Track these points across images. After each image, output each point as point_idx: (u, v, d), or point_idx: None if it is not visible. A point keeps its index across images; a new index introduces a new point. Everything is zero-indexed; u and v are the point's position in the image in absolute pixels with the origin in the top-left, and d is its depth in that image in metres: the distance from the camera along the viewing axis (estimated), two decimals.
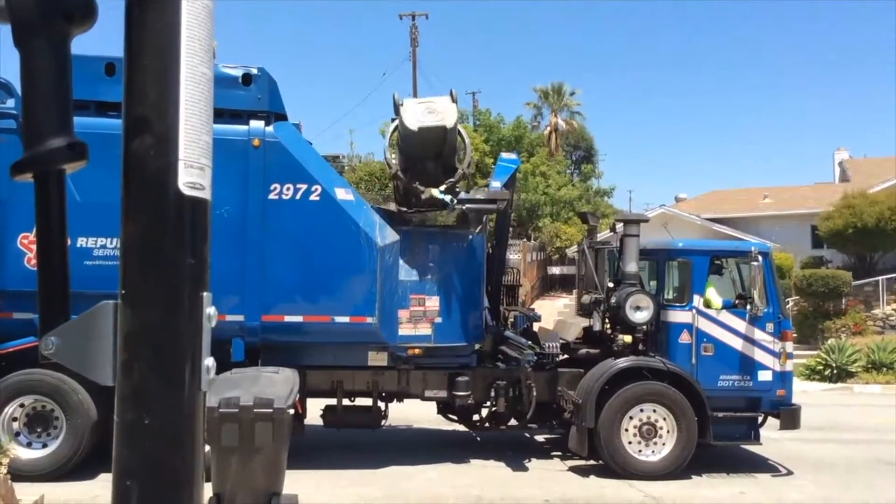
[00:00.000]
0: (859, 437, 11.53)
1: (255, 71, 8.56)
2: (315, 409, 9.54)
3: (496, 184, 9.65)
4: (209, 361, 1.38)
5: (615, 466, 8.89)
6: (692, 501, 8.07)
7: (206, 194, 1.33)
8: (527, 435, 10.58)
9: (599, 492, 8.36)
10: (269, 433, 6.81)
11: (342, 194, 8.85)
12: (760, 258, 9.26)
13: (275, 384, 7.26)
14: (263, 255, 8.53)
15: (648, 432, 8.98)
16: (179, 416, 1.35)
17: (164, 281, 1.30)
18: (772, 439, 9.84)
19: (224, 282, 8.39)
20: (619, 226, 10.12)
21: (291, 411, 7.04)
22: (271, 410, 6.83)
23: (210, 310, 1.35)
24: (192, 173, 1.33)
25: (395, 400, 9.49)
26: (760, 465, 9.63)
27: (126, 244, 1.29)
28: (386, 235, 8.85)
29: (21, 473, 7.59)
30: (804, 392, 13.46)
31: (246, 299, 8.42)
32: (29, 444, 8.20)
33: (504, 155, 10.48)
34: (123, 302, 1.31)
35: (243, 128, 8.51)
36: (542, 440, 10.63)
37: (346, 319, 8.66)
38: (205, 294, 1.33)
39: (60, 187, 1.48)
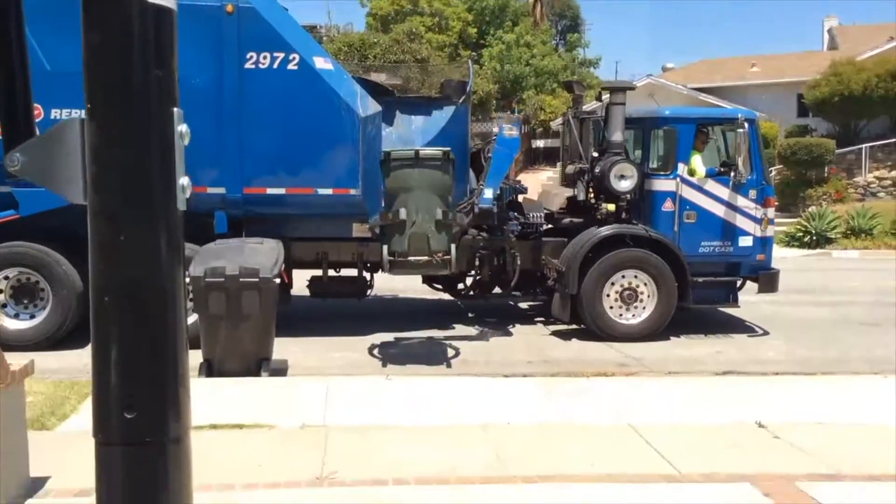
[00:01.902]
0: (836, 300, 11.83)
1: None
2: (301, 281, 9.63)
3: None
4: (184, 181, 1.33)
5: (597, 330, 9.12)
6: (670, 360, 8.32)
7: (170, 3, 1.24)
8: (510, 303, 10.77)
9: (581, 354, 8.59)
10: (255, 302, 6.93)
11: (321, 63, 8.59)
12: (746, 125, 9.19)
13: (259, 254, 7.31)
14: (242, 126, 8.36)
15: (629, 297, 9.15)
16: (156, 236, 1.31)
17: (130, 94, 1.23)
18: (750, 303, 10.08)
19: (203, 154, 8.26)
20: (605, 95, 9.96)
21: (277, 281, 7.14)
22: (257, 280, 6.93)
23: (182, 127, 1.29)
24: None
25: (380, 270, 9.56)
26: (738, 327, 9.91)
27: (89, 56, 1.22)
28: (367, 106, 8.67)
29: (9, 344, 7.71)
30: (783, 258, 13.67)
31: (226, 172, 8.32)
32: (16, 316, 8.28)
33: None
34: (89, 117, 1.25)
35: None
36: (526, 307, 10.83)
37: (329, 191, 8.60)
38: (175, 110, 1.27)
39: (18, 7, 1.40)
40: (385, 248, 7.58)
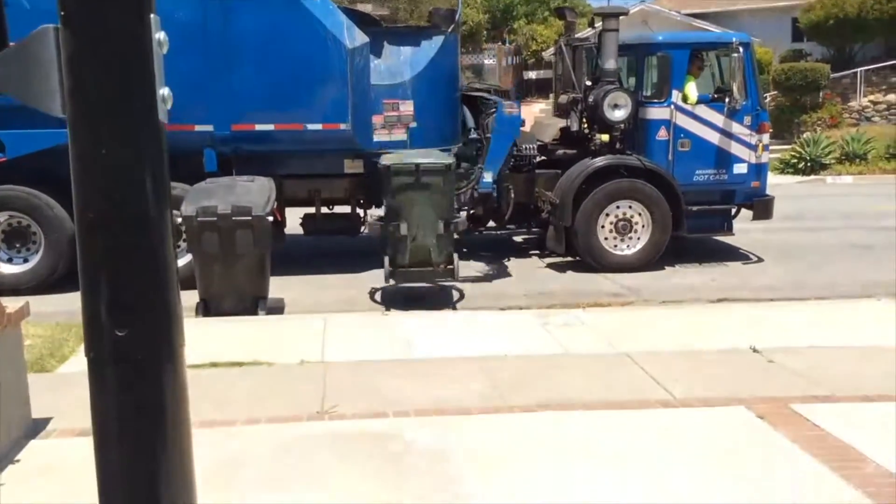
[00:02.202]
0: (830, 225, 11.85)
1: None
2: (294, 219, 9.58)
3: None
4: (164, 91, 1.28)
5: (592, 261, 9.13)
6: (665, 289, 8.36)
7: None
8: (504, 236, 10.73)
9: (576, 285, 8.62)
10: (249, 240, 6.89)
11: None
12: (741, 49, 9.05)
13: (251, 192, 7.25)
14: (227, 61, 8.19)
15: (624, 228, 9.14)
16: (137, 147, 1.27)
17: (105, 0, 1.17)
18: (744, 230, 10.08)
19: (189, 91, 8.10)
20: (598, 21, 9.76)
21: (270, 219, 7.10)
22: (250, 218, 6.89)
23: (159, 35, 1.23)
24: None
25: (373, 206, 9.51)
26: (732, 255, 9.94)
27: None
28: (355, 37, 8.48)
29: (4, 287, 7.70)
30: (777, 185, 13.66)
31: (213, 108, 8.18)
32: (10, 260, 8.25)
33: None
34: (63, 25, 1.19)
35: None
36: (520, 241, 10.81)
37: (318, 126, 8.48)
38: (152, 16, 1.21)
39: None
40: (387, 259, 7.53)
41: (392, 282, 7.39)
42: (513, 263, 9.61)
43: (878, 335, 6.01)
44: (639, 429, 4.26)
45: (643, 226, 9.15)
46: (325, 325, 6.56)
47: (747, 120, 9.33)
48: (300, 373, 5.39)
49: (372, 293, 8.21)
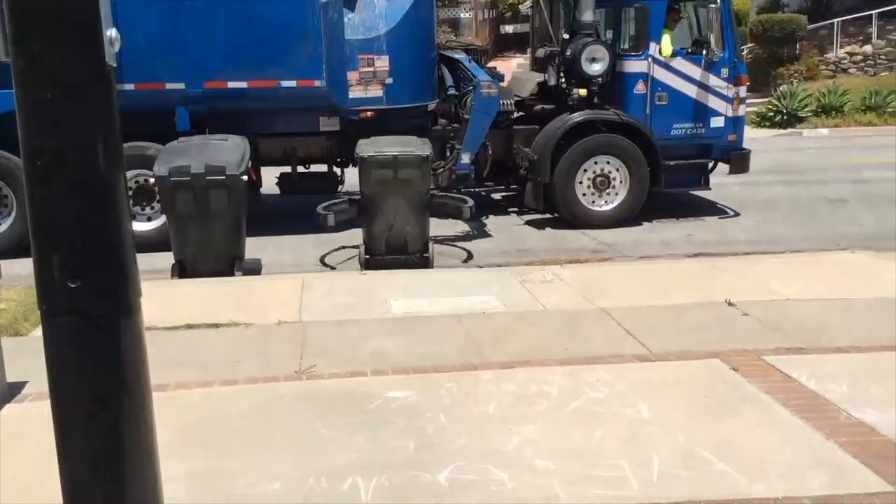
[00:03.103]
0: (806, 178, 11.91)
1: None
2: (270, 179, 9.48)
3: None
4: (112, 32, 1.24)
5: (570, 218, 9.14)
6: (642, 245, 8.40)
7: None
8: (482, 194, 10.70)
9: (554, 242, 8.64)
10: (223, 200, 6.81)
11: None
12: (718, 0, 8.97)
13: (224, 151, 7.14)
14: (198, 17, 8.02)
15: (602, 183, 9.14)
16: (85, 92, 1.23)
17: None
18: (721, 185, 10.12)
19: (158, 47, 7.95)
20: None
21: (245, 178, 7.01)
22: (224, 178, 6.80)
23: None
24: None
25: (350, 165, 9.42)
26: (709, 209, 9.99)
27: None
28: None
29: None
30: (754, 139, 13.66)
31: (184, 65, 8.03)
32: None
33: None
34: None
35: None
36: (499, 198, 10.79)
37: (292, 83, 8.35)
38: None
39: None
40: (362, 247, 7.46)
41: (367, 272, 7.35)
42: (492, 220, 9.61)
43: (850, 288, 6.09)
44: (615, 382, 4.30)
45: (621, 181, 9.15)
46: (303, 285, 6.54)
47: (724, 72, 9.30)
48: (277, 333, 5.37)
49: (343, 246, 8.17)
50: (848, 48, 22.19)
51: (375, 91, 8.85)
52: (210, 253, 6.88)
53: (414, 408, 4.03)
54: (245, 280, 6.92)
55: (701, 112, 9.31)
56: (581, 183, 9.10)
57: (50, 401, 1.41)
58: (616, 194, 9.17)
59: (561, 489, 3.21)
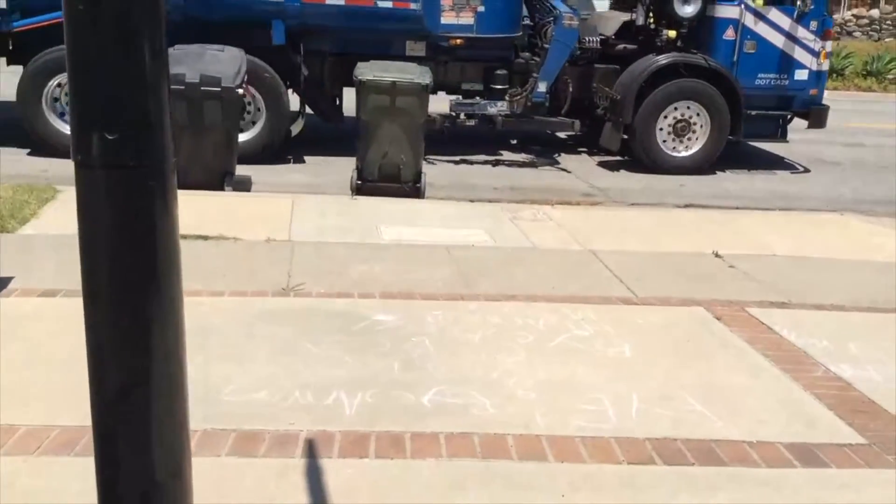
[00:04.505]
0: (801, 138, 11.86)
1: None
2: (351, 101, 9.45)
3: None
4: None
5: (647, 161, 9.18)
6: (634, 192, 8.40)
7: None
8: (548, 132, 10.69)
9: (546, 182, 8.61)
10: (218, 112, 6.72)
11: None
12: None
13: (221, 62, 7.01)
14: None
15: (682, 129, 9.17)
16: None
17: None
18: (795, 140, 10.11)
19: None
20: None
21: (240, 91, 6.90)
22: (219, 89, 6.69)
23: None
24: None
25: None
26: (780, 164, 10.06)
27: None
28: None
29: None
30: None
31: None
32: None
33: None
34: None
35: None
36: (564, 136, 10.77)
37: (389, 4, 8.36)
38: None
39: None
40: (355, 172, 7.36)
41: (358, 197, 7.30)
42: (564, 158, 9.67)
43: (838, 249, 6.14)
44: (600, 321, 4.35)
45: (701, 127, 9.16)
46: (293, 205, 6.50)
47: (813, 25, 9.26)
48: (266, 250, 5.36)
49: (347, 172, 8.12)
50: (855, 10, 21.98)
51: (466, 18, 8.88)
52: (201, 165, 6.81)
53: (400, 331, 4.06)
54: (235, 195, 6.87)
55: (786, 63, 9.28)
56: (661, 127, 9.13)
57: (80, 255, 1.40)
58: (695, 141, 9.20)
59: (541, 418, 3.26)
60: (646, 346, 4.05)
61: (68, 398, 3.16)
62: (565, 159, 9.66)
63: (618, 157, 9.51)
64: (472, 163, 9.22)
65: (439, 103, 9.53)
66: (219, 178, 6.88)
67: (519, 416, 3.27)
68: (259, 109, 8.34)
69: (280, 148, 8.54)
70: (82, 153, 1.31)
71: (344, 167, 7.82)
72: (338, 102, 9.33)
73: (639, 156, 9.24)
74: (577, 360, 3.84)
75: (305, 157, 8.84)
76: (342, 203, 6.86)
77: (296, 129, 8.95)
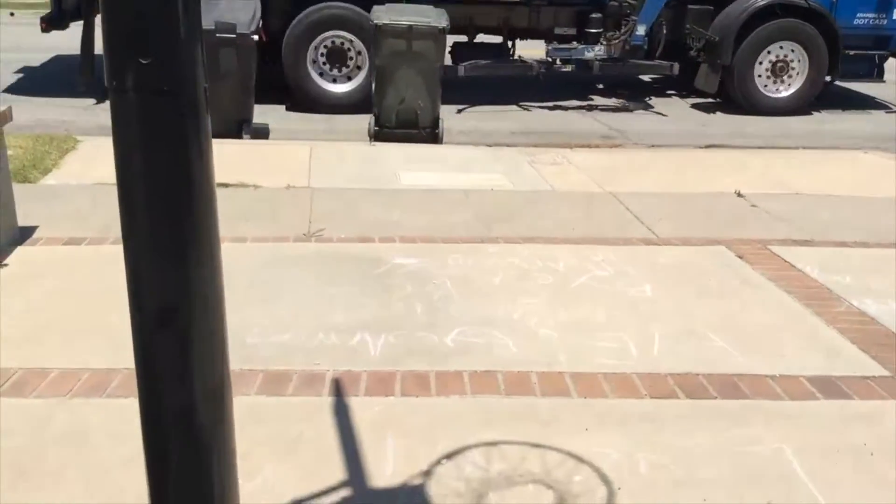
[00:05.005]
0: None
1: None
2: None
3: None
4: None
5: (744, 103, 9.17)
6: (654, 134, 8.30)
7: None
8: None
9: (564, 126, 8.52)
10: (233, 59, 6.67)
11: None
12: None
13: (235, 10, 6.94)
14: None
15: (781, 69, 9.15)
16: None
17: None
18: (888, 81, 9.97)
19: None
20: None
21: (255, 38, 6.84)
22: (234, 36, 6.63)
23: None
24: None
25: (520, 38, 9.56)
26: (873, 104, 9.99)
27: None
28: None
29: None
30: None
31: None
32: None
33: None
34: None
35: None
36: (648, 79, 10.72)
37: None
38: None
39: None
40: (372, 118, 7.29)
41: (376, 143, 7.26)
42: (656, 101, 9.66)
43: (861, 186, 6.07)
44: (621, 262, 4.34)
45: (799, 68, 9.12)
46: (311, 151, 6.49)
47: None
48: (286, 197, 5.37)
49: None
50: None
51: None
52: (218, 113, 6.78)
53: (421, 274, 4.08)
54: (253, 143, 6.87)
55: (885, 3, 9.20)
56: (760, 69, 9.09)
57: (116, 182, 1.41)
58: (793, 81, 9.17)
59: (563, 356, 3.28)
60: (667, 285, 4.04)
61: (97, 342, 3.22)
62: (657, 103, 9.66)
63: (710, 100, 9.49)
64: (566, 108, 9.25)
65: (531, 50, 9.62)
66: (236, 127, 6.87)
67: (541, 355, 3.30)
68: (360, 66, 8.46)
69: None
70: (117, 79, 1.31)
71: (362, 115, 7.79)
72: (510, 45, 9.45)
73: (736, 98, 9.23)
74: (598, 301, 3.85)
75: None
76: (360, 149, 6.84)
77: None
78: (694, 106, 9.55)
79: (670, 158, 7.05)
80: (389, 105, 7.27)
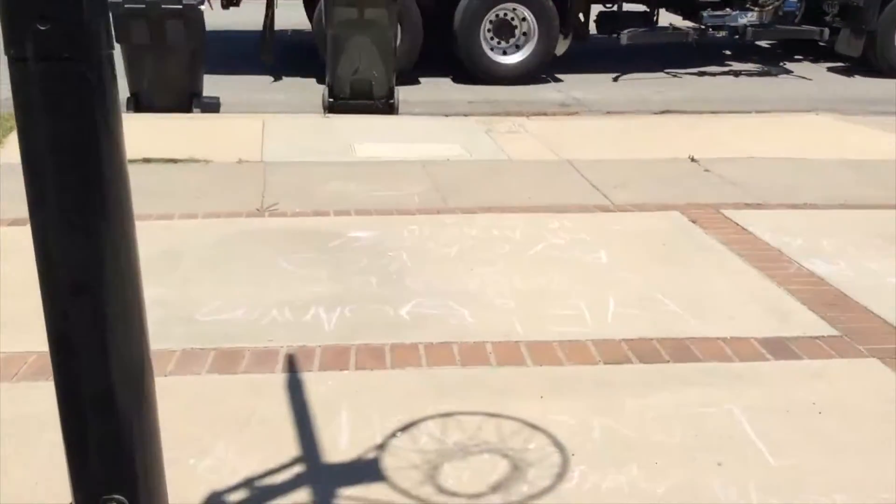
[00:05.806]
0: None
1: None
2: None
3: None
4: None
5: (884, 66, 9.24)
6: (610, 101, 8.31)
7: None
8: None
9: (522, 95, 8.50)
10: (181, 31, 6.51)
11: None
12: None
13: None
14: None
15: None
16: None
17: None
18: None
19: None
20: None
21: (203, 8, 6.68)
22: (181, 7, 6.47)
23: None
24: None
25: (665, 7, 9.71)
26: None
27: None
28: None
29: None
30: None
31: None
32: None
33: None
34: None
35: None
36: (766, 45, 10.93)
37: None
38: None
39: None
40: (326, 89, 7.14)
41: (330, 115, 7.15)
42: (793, 66, 9.85)
43: (814, 148, 6.14)
44: (576, 230, 4.35)
45: None
46: (264, 125, 6.39)
47: None
48: (238, 171, 5.29)
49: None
50: None
51: None
52: (167, 87, 6.65)
53: (377, 247, 4.05)
54: (203, 117, 6.74)
55: None
56: None
57: (20, 153, 1.35)
58: None
59: (520, 325, 3.29)
60: (622, 252, 4.06)
61: (41, 325, 3.13)
62: (796, 67, 9.79)
63: (846, 64, 9.62)
64: (713, 74, 9.40)
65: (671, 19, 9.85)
66: (186, 100, 6.73)
67: (497, 324, 3.29)
68: (525, 33, 8.60)
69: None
70: (14, 46, 1.24)
71: (320, 87, 7.67)
72: (583, 19, 9.43)
73: (878, 60, 9.30)
74: (554, 268, 3.85)
75: (284, 77, 8.66)
76: (314, 122, 6.75)
77: (560, 49, 9.00)
78: (830, 69, 9.73)
79: (625, 125, 7.07)
80: (343, 76, 7.17)
